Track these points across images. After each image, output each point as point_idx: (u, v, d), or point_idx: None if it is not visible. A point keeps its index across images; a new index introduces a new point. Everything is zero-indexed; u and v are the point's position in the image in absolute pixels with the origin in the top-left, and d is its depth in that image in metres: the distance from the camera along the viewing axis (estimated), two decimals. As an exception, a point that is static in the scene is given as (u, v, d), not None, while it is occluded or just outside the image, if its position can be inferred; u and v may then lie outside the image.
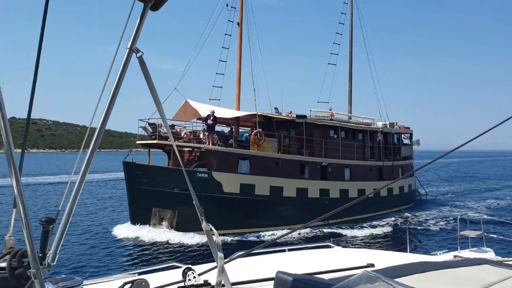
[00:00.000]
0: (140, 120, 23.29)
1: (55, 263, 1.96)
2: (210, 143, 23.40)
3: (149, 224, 22.42)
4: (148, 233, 21.69)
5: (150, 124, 23.73)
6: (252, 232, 23.81)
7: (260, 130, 24.99)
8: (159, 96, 2.36)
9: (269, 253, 4.76)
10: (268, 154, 25.05)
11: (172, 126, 23.77)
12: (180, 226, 22.46)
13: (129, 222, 23.33)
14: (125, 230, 22.51)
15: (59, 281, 2.32)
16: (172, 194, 22.21)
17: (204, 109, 25.35)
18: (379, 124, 33.50)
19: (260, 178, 24.43)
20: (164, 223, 22.45)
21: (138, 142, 23.21)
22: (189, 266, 3.32)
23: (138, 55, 2.19)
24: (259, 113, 25.59)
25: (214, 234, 2.65)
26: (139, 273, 3.90)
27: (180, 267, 3.61)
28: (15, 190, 1.76)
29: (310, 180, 26.81)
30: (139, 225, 22.57)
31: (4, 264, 2.04)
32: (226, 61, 28.01)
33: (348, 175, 29.05)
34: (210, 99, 27.94)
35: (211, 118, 23.30)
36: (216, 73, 28.16)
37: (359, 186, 29.16)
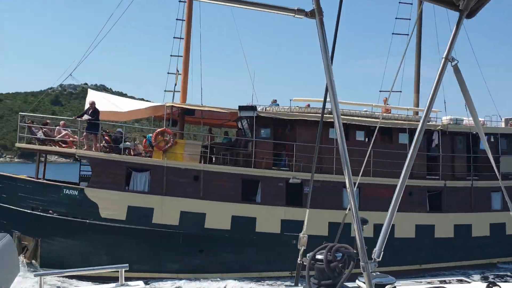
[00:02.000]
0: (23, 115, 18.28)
1: (380, 259, 2.44)
2: (87, 147, 16.88)
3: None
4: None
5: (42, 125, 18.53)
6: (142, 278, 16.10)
7: (167, 129, 17.13)
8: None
9: None
10: (182, 165, 16.95)
11: (45, 124, 18.08)
12: (44, 261, 16.58)
13: None
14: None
15: (375, 277, 2.91)
16: (32, 216, 16.59)
17: (117, 102, 18.95)
18: (445, 119, 20.57)
19: (165, 200, 16.60)
20: (22, 256, 16.85)
21: (17, 144, 18.28)
22: None
23: (454, 63, 2.54)
24: (168, 104, 17.67)
25: None
26: None
27: None
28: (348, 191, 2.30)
29: (263, 205, 17.33)
30: None
31: (321, 257, 2.66)
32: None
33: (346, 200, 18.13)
34: (165, 90, 21.21)
35: (90, 111, 16.75)
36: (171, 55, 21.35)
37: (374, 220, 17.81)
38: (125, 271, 3.42)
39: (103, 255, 16.13)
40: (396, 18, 24.39)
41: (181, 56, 20.30)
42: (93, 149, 16.83)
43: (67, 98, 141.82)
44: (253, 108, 17.76)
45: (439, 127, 19.54)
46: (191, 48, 20.06)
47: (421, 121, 2.66)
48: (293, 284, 2.97)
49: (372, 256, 2.37)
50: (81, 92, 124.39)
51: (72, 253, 16.25)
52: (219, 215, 16.83)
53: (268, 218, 17.21)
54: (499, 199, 20.22)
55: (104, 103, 18.05)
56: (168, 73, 21.46)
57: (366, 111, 20.53)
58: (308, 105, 19.87)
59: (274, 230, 17.26)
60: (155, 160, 16.85)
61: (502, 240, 19.79)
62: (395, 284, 2.89)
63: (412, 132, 19.67)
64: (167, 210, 16.54)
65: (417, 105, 22.64)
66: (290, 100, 19.23)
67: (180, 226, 16.59)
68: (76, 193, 16.47)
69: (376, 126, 19.08)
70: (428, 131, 19.66)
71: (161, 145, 16.73)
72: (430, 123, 20.00)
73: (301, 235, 3.46)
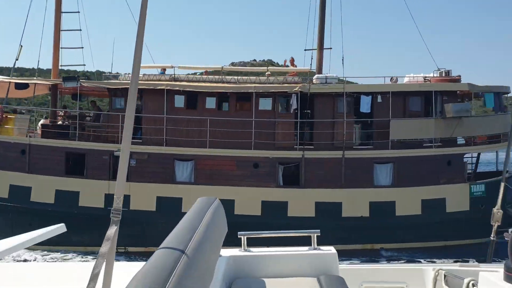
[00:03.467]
0: None
1: None
2: None
3: None
4: None
5: None
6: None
7: (-3, 104, 17.44)
8: None
9: None
10: (12, 139, 17.19)
11: None
12: None
13: None
14: None
15: None
16: None
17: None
18: (315, 79, 17.14)
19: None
20: None
21: None
22: None
23: None
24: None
25: None
26: None
27: None
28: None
29: (87, 179, 16.78)
30: None
31: None
32: None
33: (189, 174, 16.53)
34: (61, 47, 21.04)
35: None
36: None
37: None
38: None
39: None
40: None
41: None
42: None
43: None
44: (76, 78, 17.13)
45: (296, 89, 16.52)
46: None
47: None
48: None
49: None
50: None
51: None
52: (44, 189, 16.81)
53: (92, 192, 16.66)
54: (386, 173, 16.60)
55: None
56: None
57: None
58: (164, 70, 18.52)
59: (98, 204, 16.66)
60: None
61: (387, 223, 16.25)
62: None
63: (276, 96, 17.10)
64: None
65: (320, 62, 19.32)
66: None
67: (9, 199, 17.00)
68: None
69: (227, 93, 17.11)
70: (284, 93, 16.78)
71: (-8, 119, 17.18)
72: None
73: (495, 210, 3.89)
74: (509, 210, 17.15)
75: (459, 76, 17.40)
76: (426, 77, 17.66)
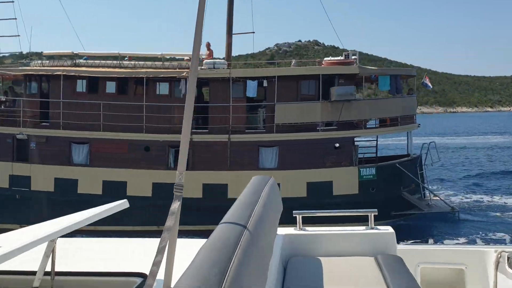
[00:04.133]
0: None
1: None
2: None
3: None
4: None
5: None
6: None
7: None
8: None
9: None
10: None
11: None
12: None
13: None
14: None
15: None
16: None
17: None
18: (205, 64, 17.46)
19: None
20: None
21: None
22: None
23: None
24: None
25: None
26: None
27: None
28: None
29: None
30: None
31: None
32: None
33: (85, 156, 17.38)
34: None
35: None
36: None
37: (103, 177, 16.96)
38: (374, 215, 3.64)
39: None
40: None
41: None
42: None
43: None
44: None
45: (183, 75, 16.95)
46: None
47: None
48: None
49: None
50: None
51: None
52: None
53: None
54: (272, 156, 16.97)
55: None
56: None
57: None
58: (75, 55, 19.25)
59: (2, 185, 17.69)
60: None
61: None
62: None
63: (173, 82, 17.60)
64: None
65: (229, 48, 19.60)
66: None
67: None
68: None
69: (126, 78, 17.73)
70: (174, 79, 17.24)
71: None
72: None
73: None
74: (405, 194, 17.29)
75: (354, 59, 17.36)
76: (319, 61, 17.75)
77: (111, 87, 17.84)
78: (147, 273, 1.74)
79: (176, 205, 1.77)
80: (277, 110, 16.73)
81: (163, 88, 17.67)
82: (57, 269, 2.57)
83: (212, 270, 1.58)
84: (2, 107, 19.62)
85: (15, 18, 21.77)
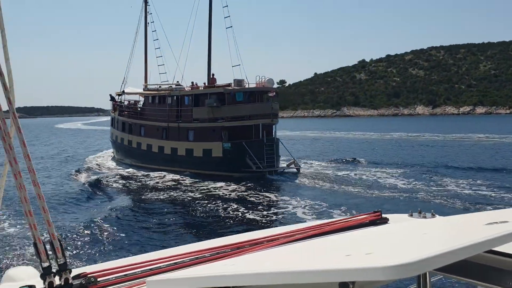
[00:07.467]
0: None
1: None
2: None
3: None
4: None
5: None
6: None
7: None
8: None
9: None
10: None
11: None
12: None
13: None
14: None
15: None
16: None
17: None
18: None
19: None
20: None
21: None
22: None
23: None
24: None
25: None
26: None
27: None
28: None
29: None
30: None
31: None
32: None
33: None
34: None
35: None
36: None
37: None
38: None
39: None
40: None
41: None
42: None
43: None
44: None
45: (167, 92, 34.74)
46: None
47: None
48: None
49: None
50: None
51: None
52: None
53: None
54: (192, 135, 32.84)
55: None
56: None
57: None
58: None
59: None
60: None
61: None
62: None
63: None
64: None
65: (209, 68, 35.46)
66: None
67: None
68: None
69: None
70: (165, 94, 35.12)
71: None
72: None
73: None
74: (247, 160, 30.38)
75: (229, 83, 30.93)
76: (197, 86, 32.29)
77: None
78: None
79: None
80: (194, 111, 32.45)
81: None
82: None
83: None
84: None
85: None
